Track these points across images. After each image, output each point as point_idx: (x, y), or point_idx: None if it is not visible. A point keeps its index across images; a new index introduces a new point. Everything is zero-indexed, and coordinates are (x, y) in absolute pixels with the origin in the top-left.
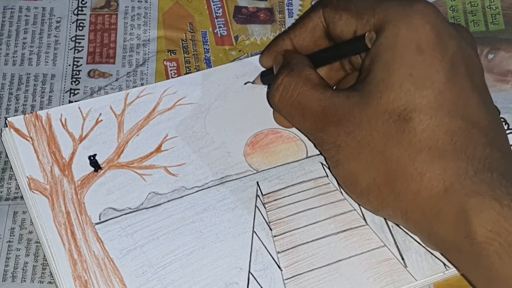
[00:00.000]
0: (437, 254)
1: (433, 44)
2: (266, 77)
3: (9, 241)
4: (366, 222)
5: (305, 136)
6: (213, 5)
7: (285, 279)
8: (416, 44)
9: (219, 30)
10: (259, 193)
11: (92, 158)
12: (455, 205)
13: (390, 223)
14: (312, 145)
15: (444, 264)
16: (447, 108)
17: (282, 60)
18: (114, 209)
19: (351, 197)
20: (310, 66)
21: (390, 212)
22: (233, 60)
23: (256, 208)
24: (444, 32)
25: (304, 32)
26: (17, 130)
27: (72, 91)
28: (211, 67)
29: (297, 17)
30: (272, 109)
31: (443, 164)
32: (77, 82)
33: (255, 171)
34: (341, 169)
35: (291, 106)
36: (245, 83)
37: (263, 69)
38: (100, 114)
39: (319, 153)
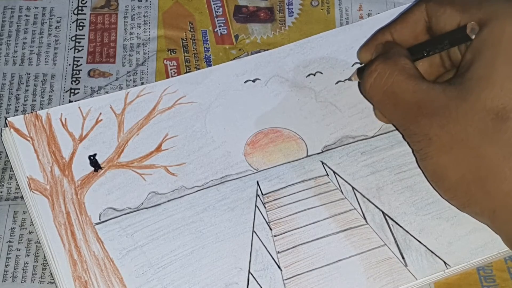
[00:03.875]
0: (438, 253)
1: None
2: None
3: (9, 241)
4: (366, 221)
5: (394, 126)
6: (213, 4)
7: (285, 279)
8: None
9: (219, 29)
10: (259, 192)
11: (92, 158)
12: None
13: (390, 222)
14: (313, 143)
15: (445, 263)
16: None
17: (381, 50)
18: (114, 209)
19: (437, 192)
20: (407, 57)
21: (477, 210)
22: (233, 59)
23: (256, 208)
24: None
25: (406, 26)
26: (17, 130)
27: (72, 90)
28: (211, 66)
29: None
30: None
31: None
32: (77, 82)
33: (255, 171)
34: (430, 163)
35: (383, 95)
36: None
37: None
38: (100, 113)
39: (319, 151)
